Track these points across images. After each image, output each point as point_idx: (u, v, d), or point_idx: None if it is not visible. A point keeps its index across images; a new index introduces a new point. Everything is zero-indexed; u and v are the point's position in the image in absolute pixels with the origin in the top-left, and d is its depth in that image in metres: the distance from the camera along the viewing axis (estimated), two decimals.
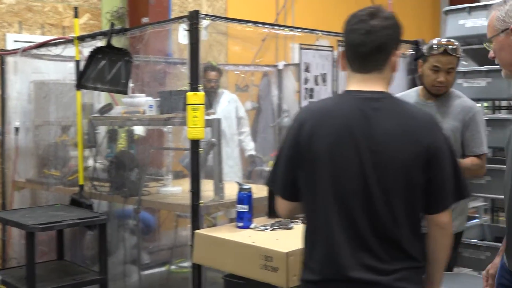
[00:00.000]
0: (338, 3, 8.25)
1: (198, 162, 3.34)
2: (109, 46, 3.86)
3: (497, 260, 2.25)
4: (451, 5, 10.34)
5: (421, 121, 1.88)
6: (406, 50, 4.74)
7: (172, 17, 6.45)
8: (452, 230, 3.03)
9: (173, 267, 5.15)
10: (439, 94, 3.10)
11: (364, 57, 1.91)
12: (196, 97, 3.29)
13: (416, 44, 4.70)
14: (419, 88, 3.27)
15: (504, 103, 5.02)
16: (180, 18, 3.45)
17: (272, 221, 3.34)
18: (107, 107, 4.13)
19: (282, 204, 2.08)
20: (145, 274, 4.79)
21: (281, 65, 6.22)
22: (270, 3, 7.79)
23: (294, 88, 5.84)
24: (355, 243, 1.85)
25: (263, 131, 6.02)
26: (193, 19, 3.32)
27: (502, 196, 3.46)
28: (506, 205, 2.13)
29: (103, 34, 4.00)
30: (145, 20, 6.13)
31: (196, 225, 3.33)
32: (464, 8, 3.55)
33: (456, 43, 3.08)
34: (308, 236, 1.98)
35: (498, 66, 3.41)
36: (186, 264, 5.03)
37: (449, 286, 2.83)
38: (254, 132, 5.91)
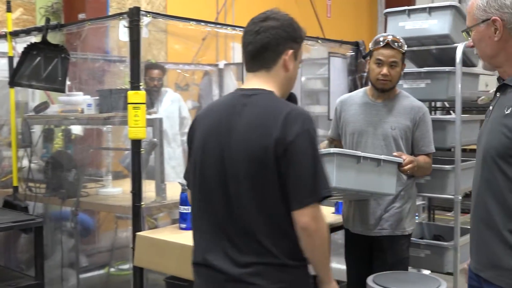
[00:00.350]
0: (278, 3, 8.28)
1: (140, 162, 3.26)
2: (44, 42, 3.72)
3: None
4: (387, 7, 10.62)
5: (276, 116, 1.87)
6: (347, 51, 4.81)
7: (110, 13, 6.30)
8: (403, 231, 3.12)
9: (112, 269, 5.03)
10: (384, 90, 3.12)
11: (253, 56, 2.00)
12: (137, 96, 3.21)
13: (356, 46, 4.78)
14: (367, 88, 3.30)
15: (439, 104, 5.16)
16: (120, 14, 3.36)
17: None
18: (43, 106, 3.98)
19: (188, 194, 2.18)
20: (83, 277, 4.65)
21: (222, 64, 6.20)
22: (210, 2, 7.74)
23: (234, 87, 5.82)
24: (218, 231, 1.94)
25: None
26: (134, 16, 3.25)
27: (441, 195, 3.56)
28: (472, 205, 2.12)
29: (38, 29, 3.85)
30: (81, 16, 5.95)
31: (137, 227, 3.25)
32: (403, 11, 3.61)
33: (402, 39, 3.12)
34: (193, 222, 2.10)
35: (437, 68, 3.55)
36: (126, 266, 4.94)
37: (391, 283, 2.88)
38: None
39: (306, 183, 1.86)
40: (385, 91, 3.15)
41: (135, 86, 3.23)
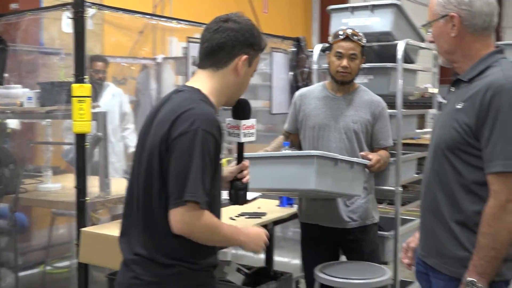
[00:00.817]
0: (215, 1, 8.30)
1: (84, 157, 3.20)
2: None
3: (418, 234, 2.29)
4: (322, 5, 10.82)
5: (174, 114, 1.86)
6: (288, 47, 4.87)
7: (43, 4, 6.11)
8: (372, 219, 3.20)
9: (48, 267, 4.89)
10: (344, 82, 3.18)
11: (207, 53, 1.99)
12: (82, 89, 3.15)
13: (297, 41, 4.85)
14: (325, 82, 3.34)
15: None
16: (64, 5, 3.28)
17: None
18: None
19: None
20: (20, 275, 4.51)
21: (160, 58, 6.12)
22: None
23: (173, 82, 5.80)
24: (130, 219, 1.98)
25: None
26: (79, 7, 3.18)
27: (383, 187, 3.67)
28: (421, 195, 2.21)
29: None
30: (14, 6, 5.72)
31: (82, 222, 3.19)
32: (347, 8, 3.71)
33: (361, 33, 3.19)
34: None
35: (380, 64, 3.66)
36: (62, 264, 4.83)
37: (339, 273, 2.96)
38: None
39: (176, 184, 1.82)
40: (344, 84, 3.19)
41: (79, 79, 3.16)
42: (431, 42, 2.15)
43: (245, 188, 2.15)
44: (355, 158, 2.98)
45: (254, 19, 8.27)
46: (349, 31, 3.13)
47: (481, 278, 1.94)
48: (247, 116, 2.12)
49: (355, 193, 3.03)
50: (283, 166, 2.90)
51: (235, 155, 2.18)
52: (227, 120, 2.14)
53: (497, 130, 1.90)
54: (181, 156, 1.82)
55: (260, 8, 9.30)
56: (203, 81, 1.99)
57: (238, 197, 2.15)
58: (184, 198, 1.80)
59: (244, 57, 1.97)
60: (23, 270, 4.80)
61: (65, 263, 4.62)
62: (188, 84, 2.03)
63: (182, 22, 4.12)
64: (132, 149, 5.17)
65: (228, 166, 2.23)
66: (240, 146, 2.15)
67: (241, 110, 2.11)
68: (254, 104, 5.64)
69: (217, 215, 1.97)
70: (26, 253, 5.09)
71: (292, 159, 2.90)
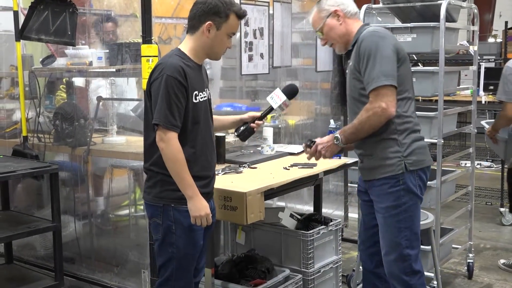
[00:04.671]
0: None
1: None
2: None
3: (327, 138, 3.04)
4: None
5: (155, 66, 2.71)
6: None
7: None
8: None
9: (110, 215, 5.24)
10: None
11: (188, 22, 2.77)
12: (150, 49, 3.42)
13: None
14: None
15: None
16: None
17: (223, 166, 3.59)
18: (50, 59, 4.13)
19: None
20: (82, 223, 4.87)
21: None
22: None
23: None
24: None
25: None
26: None
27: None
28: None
29: None
30: None
31: None
32: None
33: None
34: None
35: (423, 23, 3.87)
36: (122, 212, 5.17)
37: None
38: None
39: (155, 112, 2.61)
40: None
41: (147, 40, 3.44)
42: (325, 44, 3.05)
43: (251, 133, 3.04)
44: None
45: None
46: None
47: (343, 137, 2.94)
48: (289, 96, 3.04)
49: None
50: None
51: (264, 112, 3.09)
52: (277, 89, 3.09)
53: (367, 63, 2.81)
54: (155, 95, 2.62)
55: None
56: (185, 42, 2.77)
57: (244, 136, 3.05)
58: (153, 122, 2.61)
59: (208, 23, 2.68)
60: (83, 218, 5.18)
61: (125, 211, 4.97)
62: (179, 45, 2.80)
63: None
64: None
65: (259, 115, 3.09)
66: (271, 109, 3.07)
67: (289, 92, 3.03)
68: (295, 62, 5.93)
69: (202, 143, 2.74)
70: (85, 203, 5.47)
71: None
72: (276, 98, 3.05)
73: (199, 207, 2.67)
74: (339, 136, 2.94)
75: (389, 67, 2.80)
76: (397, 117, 2.87)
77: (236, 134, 3.12)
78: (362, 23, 3.05)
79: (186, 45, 2.75)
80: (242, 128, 3.05)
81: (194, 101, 2.70)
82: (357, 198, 3.47)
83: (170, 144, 2.61)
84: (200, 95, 2.73)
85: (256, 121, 3.04)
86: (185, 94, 2.64)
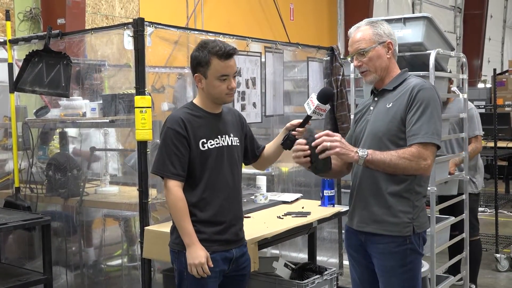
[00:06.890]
0: (244, 7, 8.60)
1: (146, 162, 3.51)
2: (46, 49, 3.91)
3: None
4: (346, 12, 11.10)
5: None
6: (323, 56, 5.15)
7: (87, 20, 6.48)
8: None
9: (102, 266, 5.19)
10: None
11: None
12: (144, 100, 3.46)
13: (331, 50, 5.12)
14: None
15: None
16: (125, 25, 3.60)
17: None
18: (43, 110, 4.15)
19: None
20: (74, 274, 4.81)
21: None
22: (180, 7, 7.98)
23: None
24: None
25: None
26: (139, 26, 3.50)
27: None
28: (357, 179, 2.84)
29: (39, 37, 4.03)
30: (60, 21, 6.09)
31: (145, 221, 3.50)
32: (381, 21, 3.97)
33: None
34: None
35: (414, 72, 3.90)
36: (114, 262, 5.12)
37: None
38: None
39: (154, 162, 2.83)
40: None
41: (141, 91, 3.48)
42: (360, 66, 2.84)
43: (293, 141, 2.82)
44: None
45: (281, 26, 8.65)
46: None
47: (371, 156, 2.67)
48: (323, 102, 2.77)
49: None
50: None
51: (304, 119, 2.87)
52: (312, 94, 2.86)
53: (422, 114, 2.65)
54: (160, 144, 2.81)
55: (287, 15, 9.61)
56: (197, 94, 2.92)
57: (286, 144, 2.90)
58: (150, 171, 2.92)
59: (195, 76, 2.84)
60: (75, 269, 5.12)
61: (117, 261, 4.93)
62: None
63: (233, 37, 4.32)
64: None
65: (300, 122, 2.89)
66: (308, 117, 2.83)
67: (322, 96, 2.77)
68: (287, 110, 5.99)
69: (214, 188, 2.80)
70: (77, 253, 5.41)
71: None
72: (311, 103, 2.80)
73: (193, 256, 2.71)
74: (367, 151, 2.67)
75: (440, 128, 2.70)
76: (419, 178, 2.77)
77: (281, 144, 2.97)
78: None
79: (197, 97, 2.92)
80: (285, 137, 2.93)
81: (202, 148, 2.80)
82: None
83: (171, 192, 2.74)
84: (210, 142, 2.83)
85: (297, 129, 2.86)
86: (185, 144, 2.77)
